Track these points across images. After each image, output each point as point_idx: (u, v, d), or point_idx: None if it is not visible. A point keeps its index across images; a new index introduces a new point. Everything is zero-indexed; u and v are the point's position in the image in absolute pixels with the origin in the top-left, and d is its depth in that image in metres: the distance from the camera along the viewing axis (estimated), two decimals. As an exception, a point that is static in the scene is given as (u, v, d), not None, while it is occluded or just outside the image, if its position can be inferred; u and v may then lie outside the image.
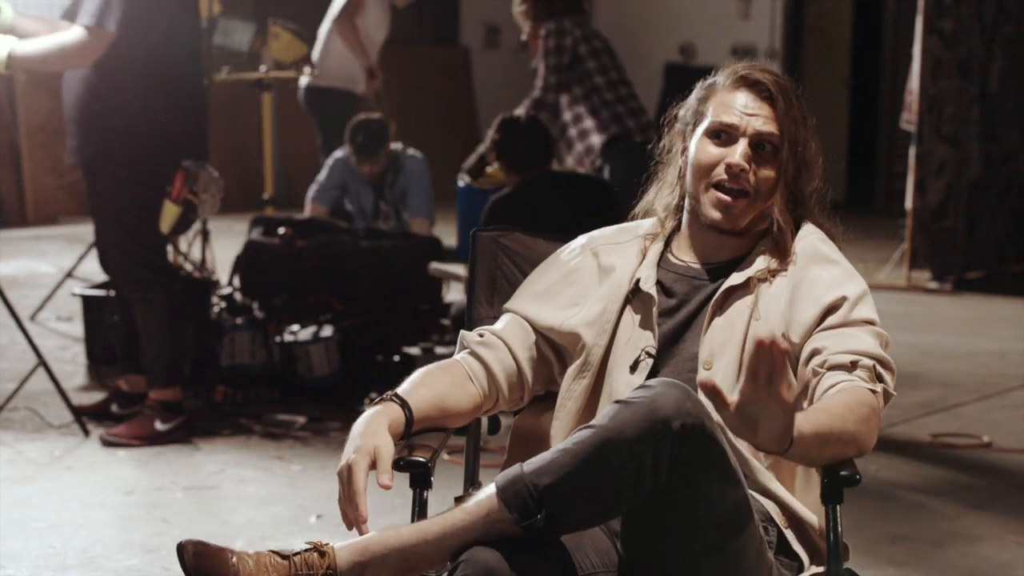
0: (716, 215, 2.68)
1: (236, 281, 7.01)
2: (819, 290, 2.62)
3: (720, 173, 2.67)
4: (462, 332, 2.81)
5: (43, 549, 4.38)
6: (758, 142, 2.66)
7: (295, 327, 6.37)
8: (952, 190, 10.12)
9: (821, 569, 2.56)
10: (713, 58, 14.93)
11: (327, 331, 6.32)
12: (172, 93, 5.62)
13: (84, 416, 5.74)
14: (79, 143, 5.56)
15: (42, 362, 5.68)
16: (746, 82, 2.69)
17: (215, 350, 6.32)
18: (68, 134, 5.64)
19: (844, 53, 14.75)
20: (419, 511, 2.61)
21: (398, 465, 2.59)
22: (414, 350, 6.41)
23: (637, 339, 2.69)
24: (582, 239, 2.86)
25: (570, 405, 2.72)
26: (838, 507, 2.51)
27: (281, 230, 6.98)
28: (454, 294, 7.23)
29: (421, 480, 2.61)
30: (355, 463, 2.57)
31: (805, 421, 2.36)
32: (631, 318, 2.72)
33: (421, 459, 2.59)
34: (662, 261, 2.76)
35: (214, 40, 7.26)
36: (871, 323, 2.61)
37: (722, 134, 2.68)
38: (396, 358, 6.40)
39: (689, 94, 2.79)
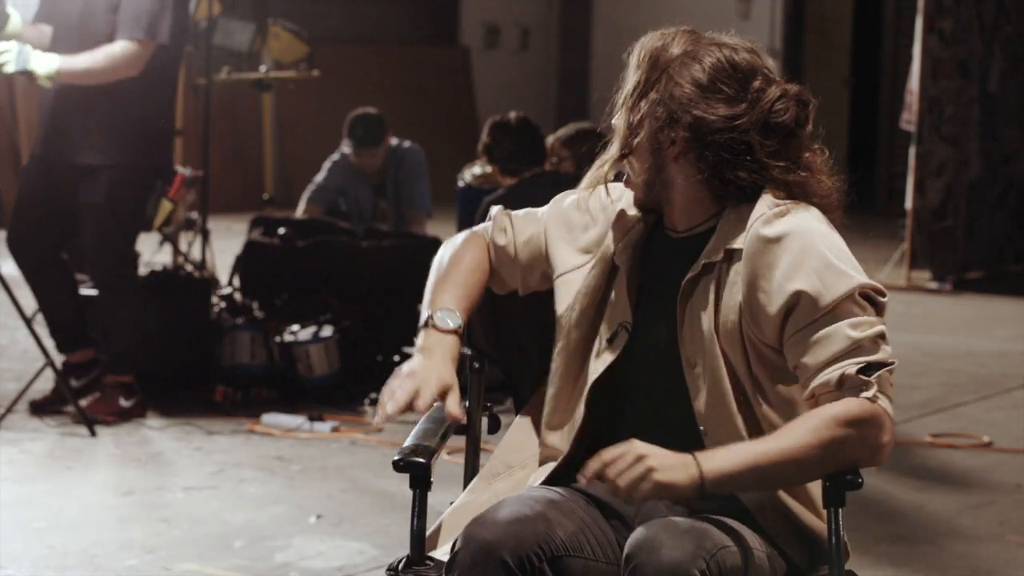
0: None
1: (236, 281, 7.01)
2: (778, 277, 2.48)
3: None
4: (495, 214, 2.80)
5: (43, 549, 4.38)
6: (627, 103, 2.62)
7: (295, 327, 6.37)
8: (952, 190, 10.12)
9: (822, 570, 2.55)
10: (713, 58, 14.96)
11: (327, 331, 6.32)
12: (172, 93, 5.94)
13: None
14: (78, 139, 5.68)
15: (50, 362, 5.71)
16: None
17: (215, 350, 6.32)
18: (54, 132, 5.71)
19: (844, 53, 14.75)
20: (419, 511, 2.61)
21: (398, 466, 2.59)
22: (414, 350, 6.41)
23: (614, 312, 2.64)
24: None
25: (558, 383, 2.69)
26: (839, 510, 2.50)
27: (281, 230, 6.98)
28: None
29: (421, 481, 2.61)
30: (424, 388, 2.56)
31: (724, 459, 2.38)
32: (609, 287, 2.65)
33: (421, 460, 2.59)
34: (647, 228, 2.67)
35: (214, 40, 7.26)
36: (844, 298, 2.44)
37: None
38: (396, 358, 6.41)
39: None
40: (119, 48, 5.57)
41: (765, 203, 2.53)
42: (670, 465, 2.36)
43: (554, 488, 2.62)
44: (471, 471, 2.86)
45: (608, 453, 2.37)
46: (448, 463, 4.61)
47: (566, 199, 2.79)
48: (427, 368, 2.60)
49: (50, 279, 5.90)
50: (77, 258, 5.96)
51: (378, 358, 6.47)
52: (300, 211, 7.80)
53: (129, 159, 5.72)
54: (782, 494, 2.56)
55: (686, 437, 2.51)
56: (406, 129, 9.15)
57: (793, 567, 2.56)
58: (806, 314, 2.46)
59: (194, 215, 7.45)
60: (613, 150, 2.64)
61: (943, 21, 9.87)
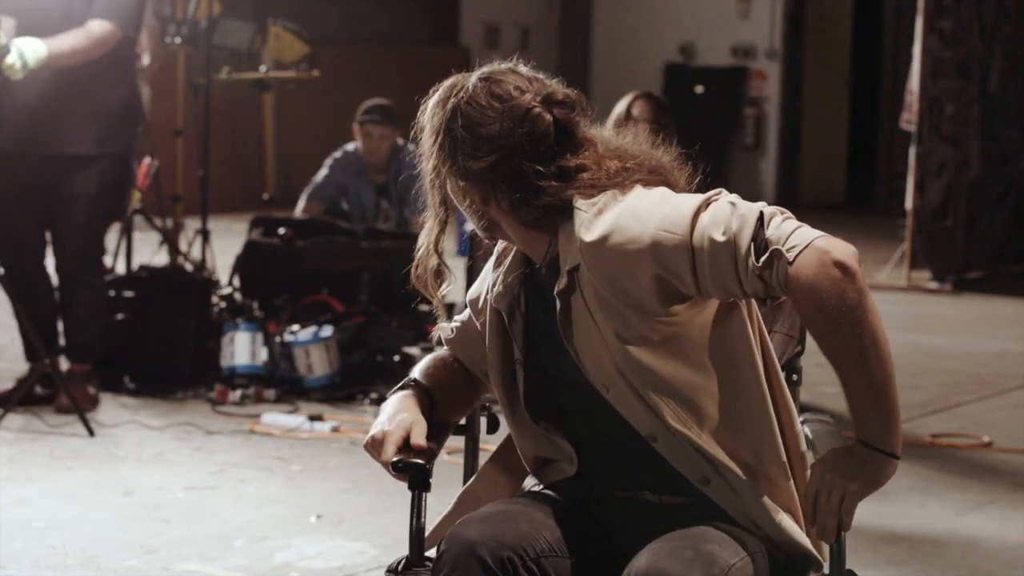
0: None
1: (236, 281, 7.01)
2: (630, 266, 2.42)
3: None
4: (439, 328, 2.82)
5: (43, 549, 4.38)
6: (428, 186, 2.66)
7: (295, 327, 6.37)
8: (952, 190, 10.12)
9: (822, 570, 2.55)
10: (713, 58, 14.96)
11: (327, 331, 6.33)
12: (136, 82, 6.16)
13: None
14: (65, 129, 5.74)
15: (50, 362, 5.71)
16: None
17: (215, 350, 6.32)
18: (33, 124, 5.72)
19: (844, 53, 14.73)
20: (418, 513, 2.61)
21: (397, 467, 2.59)
22: (414, 350, 6.42)
23: (509, 352, 2.63)
24: None
25: (507, 420, 2.69)
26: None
27: (281, 230, 6.98)
28: (454, 296, 7.22)
29: (420, 482, 2.61)
30: (390, 433, 2.59)
31: (863, 419, 2.36)
32: (503, 329, 2.64)
33: (419, 461, 2.60)
34: (524, 265, 2.63)
35: (214, 40, 7.26)
36: (692, 225, 2.38)
37: None
38: (396, 358, 6.41)
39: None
40: (97, 27, 5.65)
41: (581, 209, 2.48)
42: (852, 473, 2.37)
43: (547, 491, 2.63)
44: (470, 471, 2.86)
45: (811, 501, 2.40)
46: (448, 463, 4.61)
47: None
48: (388, 419, 2.63)
49: (33, 284, 5.90)
50: (54, 250, 5.95)
51: (378, 358, 6.48)
52: (299, 209, 7.79)
53: (119, 149, 5.86)
54: (778, 516, 2.53)
55: (639, 446, 2.50)
56: (406, 129, 9.15)
57: (777, 563, 2.55)
58: (684, 264, 2.39)
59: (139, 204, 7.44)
60: (432, 229, 2.63)
61: (943, 21, 9.87)
